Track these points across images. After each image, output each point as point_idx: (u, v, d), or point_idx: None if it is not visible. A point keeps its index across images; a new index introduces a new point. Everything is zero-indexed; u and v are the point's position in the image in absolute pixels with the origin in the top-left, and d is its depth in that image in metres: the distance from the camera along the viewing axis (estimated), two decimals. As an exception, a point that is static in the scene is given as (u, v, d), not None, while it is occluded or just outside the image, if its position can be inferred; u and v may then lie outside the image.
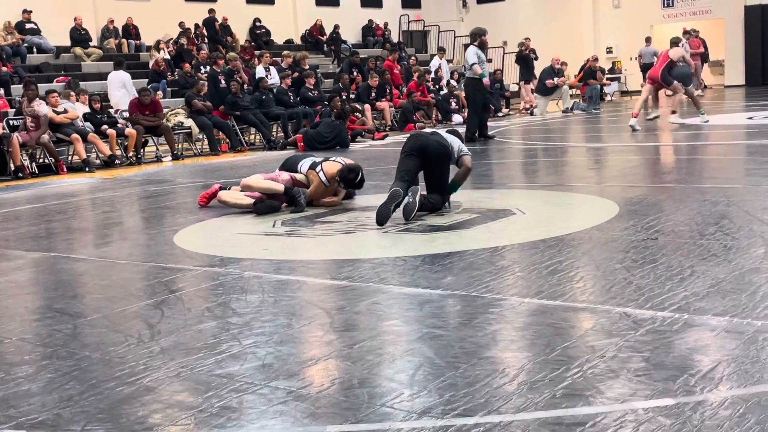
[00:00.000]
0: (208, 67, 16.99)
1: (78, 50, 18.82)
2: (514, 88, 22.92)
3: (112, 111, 13.75)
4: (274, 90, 15.68)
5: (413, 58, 21.60)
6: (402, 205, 5.66)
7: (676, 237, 4.68)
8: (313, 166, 6.84)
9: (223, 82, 14.96)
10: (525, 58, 20.46)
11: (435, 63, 20.96)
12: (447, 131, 6.43)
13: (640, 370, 2.64)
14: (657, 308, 3.30)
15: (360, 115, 15.66)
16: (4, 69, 15.94)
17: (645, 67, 23.08)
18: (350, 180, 6.59)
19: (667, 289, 3.58)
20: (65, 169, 11.85)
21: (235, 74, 15.41)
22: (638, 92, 25.71)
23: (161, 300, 4.02)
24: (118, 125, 12.90)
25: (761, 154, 8.55)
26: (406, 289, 3.92)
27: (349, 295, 3.89)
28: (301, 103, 15.66)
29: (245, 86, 15.80)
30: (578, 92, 20.67)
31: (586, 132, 14.12)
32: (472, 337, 3.09)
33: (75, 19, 19.14)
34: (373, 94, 17.13)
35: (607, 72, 23.54)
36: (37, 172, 11.76)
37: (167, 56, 18.74)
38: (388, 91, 17.56)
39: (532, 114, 19.24)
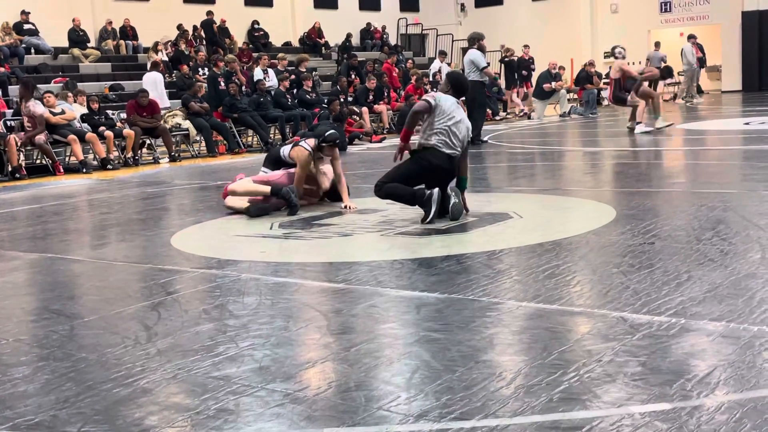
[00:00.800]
0: (206, 69, 16.99)
1: (76, 51, 18.81)
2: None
3: (109, 112, 13.74)
4: (272, 92, 15.68)
5: (410, 61, 21.58)
6: (450, 207, 5.72)
7: (673, 242, 4.68)
8: (294, 144, 6.95)
9: (222, 84, 14.96)
10: (509, 64, 20.57)
11: (435, 66, 20.97)
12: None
13: (637, 375, 2.65)
14: (654, 313, 3.30)
15: (358, 118, 15.67)
16: (2, 70, 15.94)
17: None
18: (331, 137, 6.85)
19: (664, 293, 3.58)
20: (62, 170, 11.84)
21: (234, 76, 15.41)
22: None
23: (158, 302, 4.01)
24: (116, 126, 12.90)
25: (758, 159, 8.57)
26: (403, 292, 3.92)
27: (346, 297, 3.89)
28: (299, 106, 15.66)
29: (243, 88, 15.80)
30: (575, 96, 20.70)
31: (582, 136, 14.14)
32: (469, 341, 3.10)
33: (73, 20, 19.13)
34: (371, 97, 17.14)
35: (604, 77, 23.56)
36: (26, 173, 11.68)
37: (165, 58, 18.73)
38: (385, 94, 17.57)
39: (529, 118, 19.27)
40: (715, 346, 2.89)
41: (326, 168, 7.00)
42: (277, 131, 15.17)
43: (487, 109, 16.90)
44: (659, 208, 5.94)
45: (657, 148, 11.20)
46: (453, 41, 27.65)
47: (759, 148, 9.67)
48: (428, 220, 5.67)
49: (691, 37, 21.42)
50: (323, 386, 2.73)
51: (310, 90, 16.12)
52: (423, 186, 5.90)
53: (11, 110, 13.22)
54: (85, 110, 13.01)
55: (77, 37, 19.10)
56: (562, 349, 2.93)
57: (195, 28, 21.09)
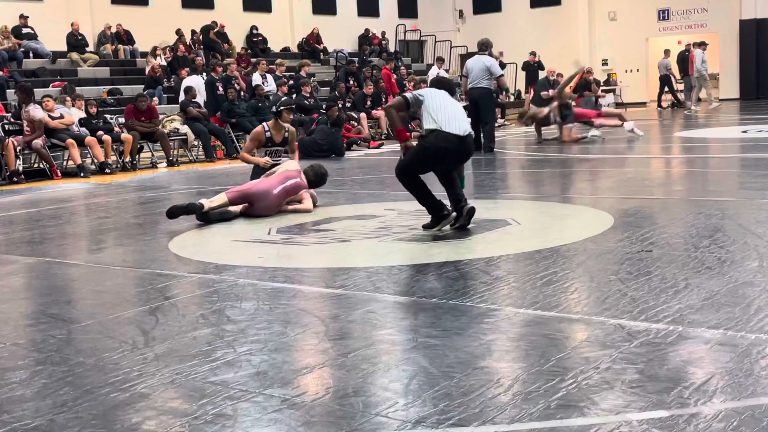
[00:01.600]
0: (204, 74, 17.00)
1: (74, 55, 18.81)
2: (510, 98, 23.02)
3: (107, 116, 13.74)
4: (271, 98, 15.69)
5: (403, 68, 21.65)
6: (466, 211, 5.69)
7: (671, 249, 4.69)
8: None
9: (220, 89, 14.96)
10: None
11: (433, 72, 20.97)
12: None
13: (635, 382, 2.65)
14: (651, 320, 3.30)
15: (356, 124, 15.68)
16: (0, 74, 15.92)
17: (663, 79, 23.24)
18: (287, 101, 7.60)
19: (662, 301, 3.59)
20: (59, 174, 11.83)
21: (233, 80, 15.41)
22: (634, 105, 25.86)
23: (156, 306, 4.01)
24: (114, 131, 12.90)
25: (755, 167, 8.59)
26: (400, 298, 3.92)
27: (344, 303, 3.89)
28: (297, 111, 15.66)
29: (242, 93, 15.81)
30: (573, 103, 20.72)
31: (580, 143, 14.15)
32: (467, 347, 3.10)
33: (72, 25, 19.13)
34: (369, 103, 17.16)
35: (602, 84, 23.62)
36: (24, 177, 11.65)
37: (164, 62, 18.74)
38: (383, 99, 17.58)
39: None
40: (713, 354, 2.89)
41: (309, 194, 7.10)
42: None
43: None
44: (657, 216, 5.95)
45: (654, 156, 11.22)
46: (451, 47, 27.70)
47: (756, 156, 9.69)
48: (432, 229, 5.65)
49: (701, 44, 21.47)
50: (321, 392, 2.73)
51: (308, 96, 16.13)
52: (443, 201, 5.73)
53: (9, 114, 13.20)
54: (83, 114, 13.01)
55: (76, 42, 19.10)
56: (559, 356, 2.93)
57: (194, 32, 21.11)
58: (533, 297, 3.80)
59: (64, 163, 12.67)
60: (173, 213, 6.54)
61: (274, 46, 24.18)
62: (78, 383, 2.93)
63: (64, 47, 19.04)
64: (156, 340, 3.42)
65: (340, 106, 15.49)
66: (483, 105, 12.51)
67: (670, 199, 6.70)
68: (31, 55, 18.48)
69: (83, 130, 12.53)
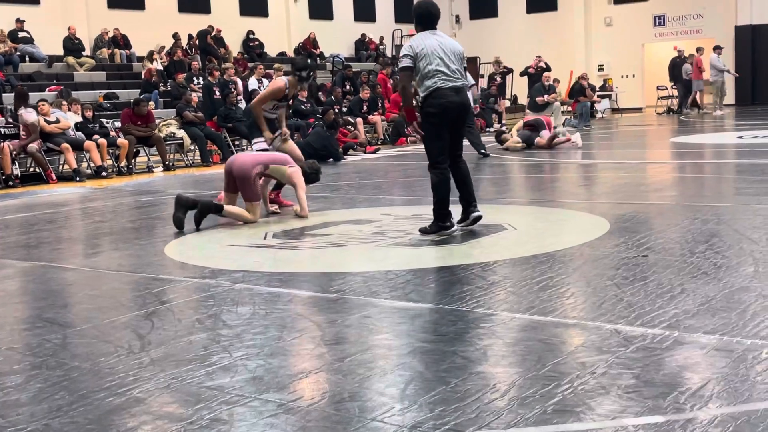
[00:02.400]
0: (201, 79, 17.00)
1: (71, 59, 18.79)
2: (506, 104, 23.03)
3: (103, 121, 13.73)
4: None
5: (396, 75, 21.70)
6: (473, 218, 5.83)
7: (667, 255, 4.70)
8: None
9: (217, 93, 14.95)
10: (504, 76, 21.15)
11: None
12: None
13: (631, 387, 2.65)
14: (647, 325, 3.31)
15: (352, 129, 15.68)
16: (-4, 77, 15.91)
17: (685, 85, 23.18)
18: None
19: (658, 306, 3.59)
20: (55, 178, 11.81)
21: (231, 85, 15.41)
22: (629, 109, 25.91)
23: (151, 311, 4.00)
24: (110, 135, 12.89)
25: (751, 173, 8.61)
26: (397, 303, 3.92)
27: (340, 308, 3.89)
28: (294, 116, 15.67)
29: (239, 97, 15.81)
30: (569, 109, 20.78)
31: (576, 149, 14.17)
32: (463, 352, 3.10)
33: (68, 29, 19.12)
34: (365, 108, 17.17)
35: (598, 89, 23.66)
36: (19, 181, 11.63)
37: (160, 67, 18.74)
38: (380, 104, 17.60)
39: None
40: (709, 359, 2.89)
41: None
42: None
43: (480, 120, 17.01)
44: (653, 221, 5.95)
45: (649, 162, 11.24)
46: (448, 53, 27.69)
47: (752, 161, 9.72)
48: (429, 234, 5.66)
49: (716, 48, 21.46)
50: (317, 397, 2.73)
51: (305, 100, 16.14)
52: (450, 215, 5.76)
53: (3, 118, 13.18)
54: (79, 119, 12.99)
55: (72, 46, 19.09)
56: (555, 361, 2.94)
57: (190, 37, 21.11)
58: (529, 302, 3.80)
59: (60, 167, 12.66)
60: (197, 219, 6.57)
61: (271, 50, 24.20)
62: (73, 388, 2.92)
63: (60, 51, 19.03)
64: (152, 345, 3.41)
65: (336, 110, 15.50)
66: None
67: (666, 205, 6.71)
68: (27, 59, 18.46)
69: (79, 134, 12.51)
